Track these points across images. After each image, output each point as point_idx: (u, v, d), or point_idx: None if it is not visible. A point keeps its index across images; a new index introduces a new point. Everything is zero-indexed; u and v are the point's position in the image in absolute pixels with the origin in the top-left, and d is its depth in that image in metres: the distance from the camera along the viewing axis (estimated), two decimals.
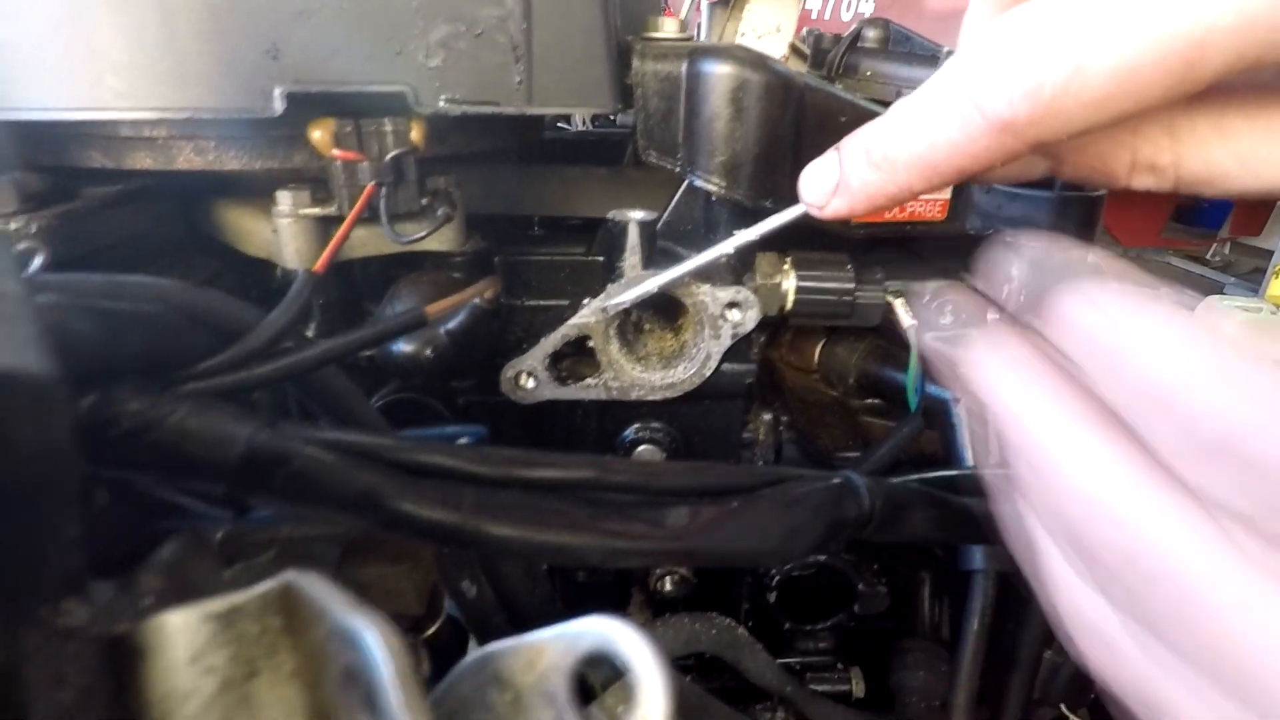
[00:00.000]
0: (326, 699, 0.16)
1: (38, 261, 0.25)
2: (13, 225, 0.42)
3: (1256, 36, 0.22)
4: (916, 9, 4.00)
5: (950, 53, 0.60)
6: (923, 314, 0.53)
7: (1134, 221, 4.77)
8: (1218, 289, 4.73)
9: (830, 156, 0.35)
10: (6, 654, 0.13)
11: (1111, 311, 0.23)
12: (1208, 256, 5.32)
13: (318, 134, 0.45)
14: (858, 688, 0.68)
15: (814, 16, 3.94)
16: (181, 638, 0.16)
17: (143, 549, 0.26)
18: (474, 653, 0.20)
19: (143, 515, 0.28)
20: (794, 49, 0.72)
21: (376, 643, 0.14)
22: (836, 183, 0.34)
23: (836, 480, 0.39)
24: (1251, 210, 4.73)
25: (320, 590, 0.16)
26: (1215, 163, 0.28)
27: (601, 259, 0.61)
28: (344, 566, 0.35)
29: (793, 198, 0.53)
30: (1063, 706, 0.69)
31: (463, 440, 0.42)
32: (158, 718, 0.15)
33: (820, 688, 0.67)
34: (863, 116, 0.55)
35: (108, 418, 0.23)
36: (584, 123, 0.95)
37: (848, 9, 3.97)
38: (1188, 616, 0.20)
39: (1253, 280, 4.69)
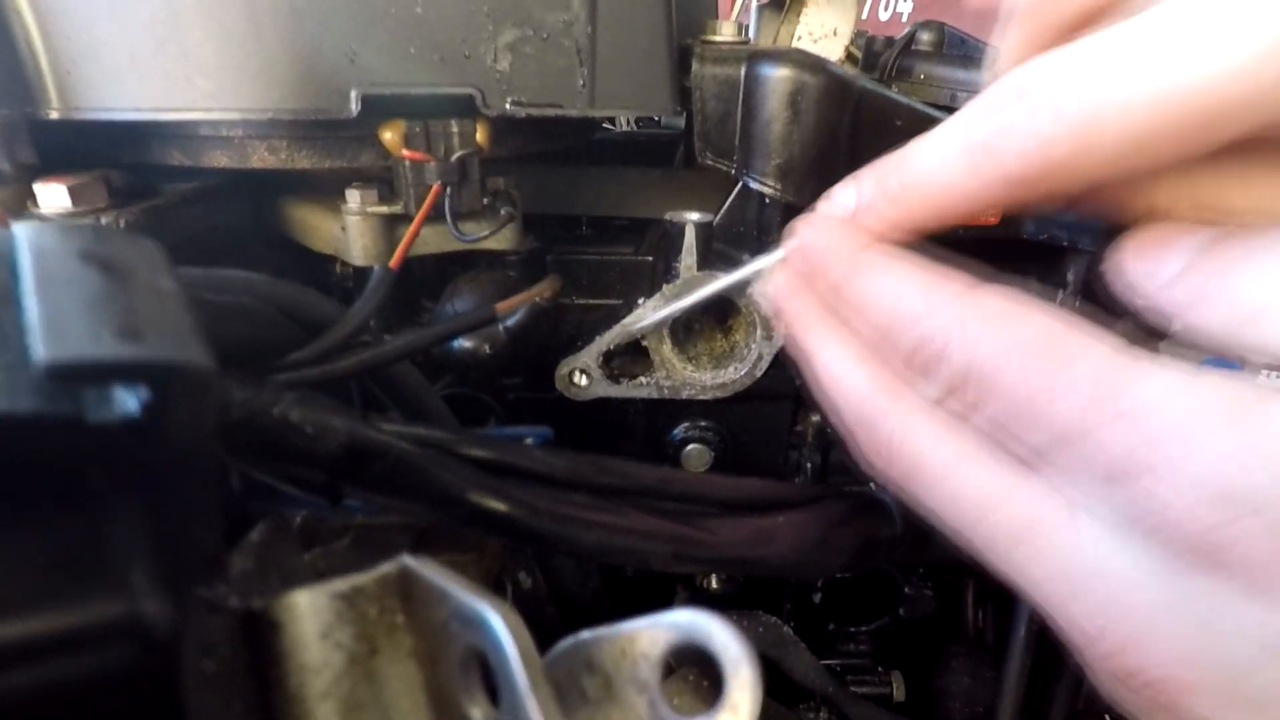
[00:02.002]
0: (445, 677, 0.17)
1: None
2: (104, 220, 0.45)
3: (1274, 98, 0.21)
4: (956, 9, 3.96)
5: None
6: None
7: None
8: None
9: (849, 184, 0.34)
10: (172, 634, 0.14)
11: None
12: None
13: (388, 135, 0.47)
14: (898, 691, 0.68)
15: None
16: (310, 614, 0.17)
17: (234, 530, 0.28)
18: (566, 640, 0.21)
19: (238, 497, 0.29)
20: (845, 52, 0.72)
21: (500, 625, 0.15)
22: (853, 210, 0.33)
23: (870, 500, 0.39)
24: None
25: (438, 575, 0.17)
26: (1236, 210, 0.27)
27: (650, 259, 0.62)
28: (416, 554, 0.36)
29: None
30: (1107, 717, 0.69)
31: (528, 440, 0.43)
32: (294, 687, 0.17)
33: (861, 690, 0.68)
34: (919, 120, 0.56)
35: (219, 406, 0.25)
36: (628, 123, 0.96)
37: (885, 8, 3.93)
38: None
39: None
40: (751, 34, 0.91)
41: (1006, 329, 0.25)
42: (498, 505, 0.28)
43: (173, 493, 0.16)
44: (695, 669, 0.27)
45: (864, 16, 3.83)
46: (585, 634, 0.21)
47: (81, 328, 0.14)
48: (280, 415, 0.26)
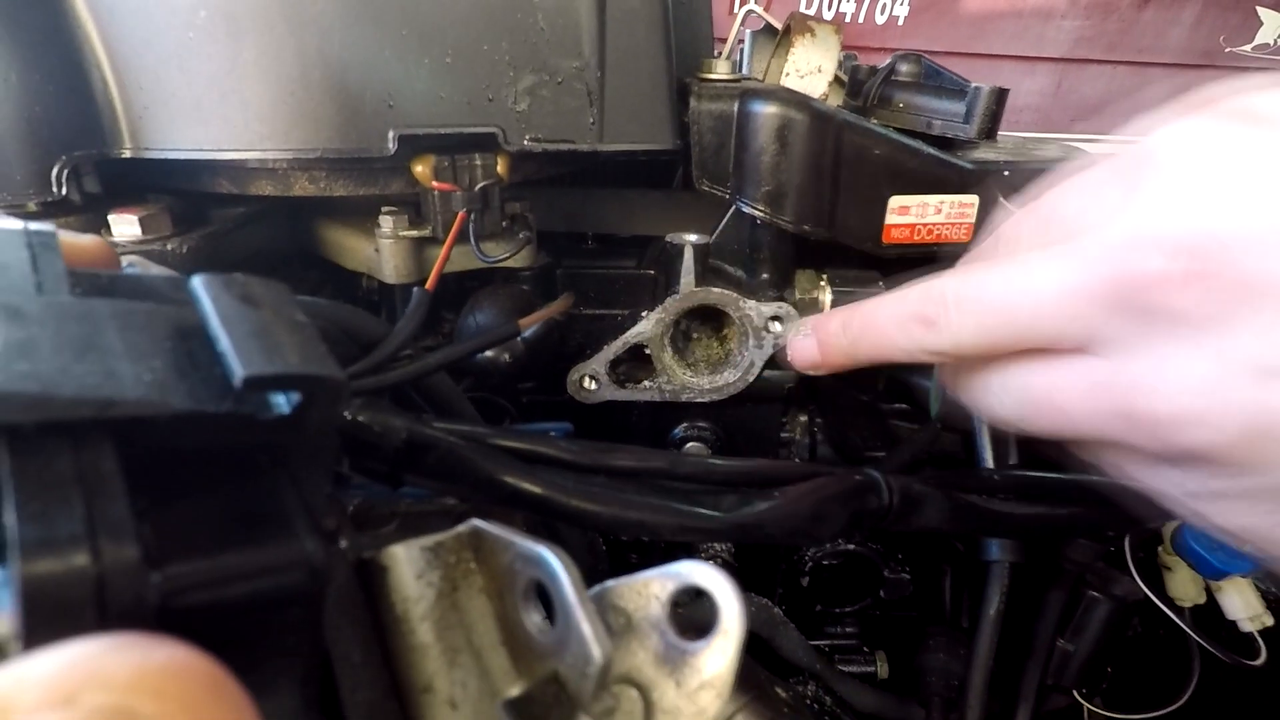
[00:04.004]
0: (510, 606, 0.23)
1: None
2: (169, 246, 0.50)
3: None
4: (952, 13, 4.03)
5: (977, 88, 0.65)
6: None
7: None
8: None
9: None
10: (325, 560, 0.20)
11: None
12: None
13: (420, 168, 0.53)
14: (882, 669, 0.74)
15: (848, 19, 3.98)
16: (407, 561, 0.23)
17: None
18: (594, 587, 0.27)
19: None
20: (834, 77, 0.78)
21: (554, 558, 0.21)
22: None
23: (861, 476, 0.45)
24: None
25: (502, 530, 0.23)
26: None
27: (651, 272, 0.67)
28: None
29: (830, 224, 0.60)
30: (1076, 694, 0.74)
31: (552, 434, 0.49)
32: (401, 612, 0.22)
33: (848, 668, 0.73)
34: (895, 149, 0.62)
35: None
36: None
37: (882, 12, 4.00)
38: None
39: None
40: (746, 57, 0.97)
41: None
42: (531, 487, 0.34)
43: (309, 469, 0.22)
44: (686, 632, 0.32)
45: (861, 19, 3.90)
46: (609, 582, 0.27)
47: (259, 353, 0.20)
48: (351, 417, 0.32)
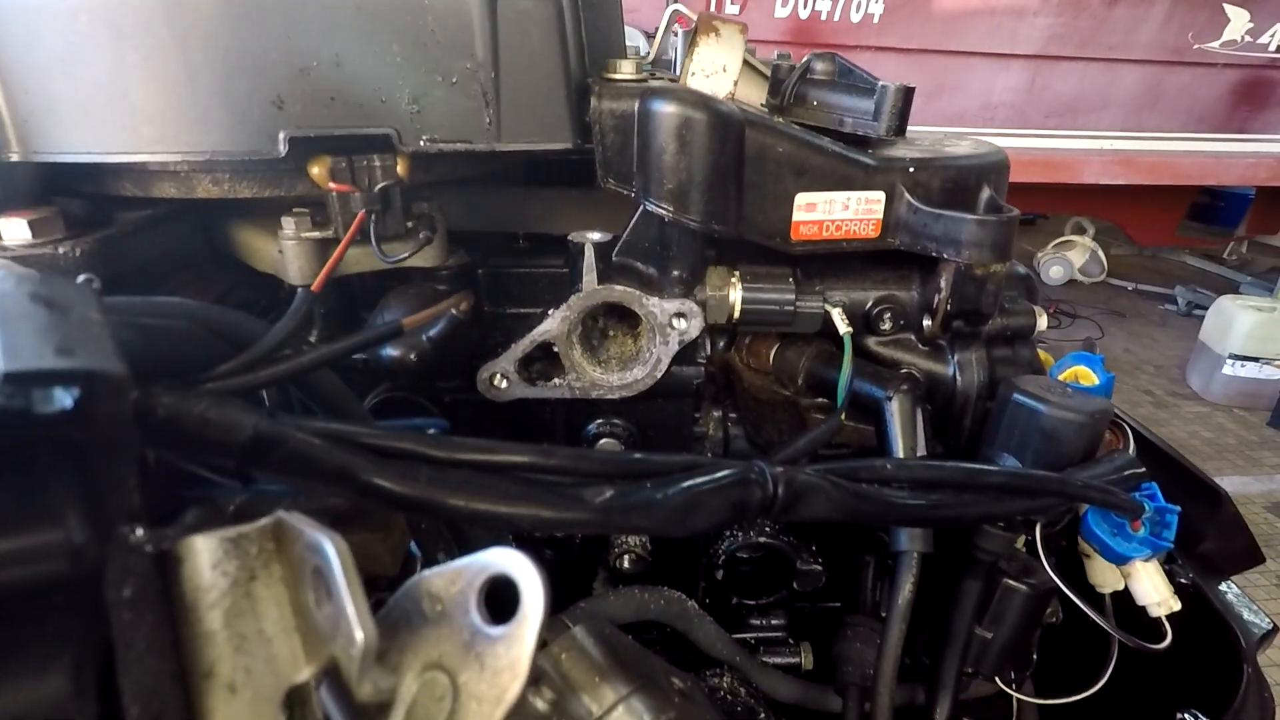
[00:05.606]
0: (301, 591, 0.23)
1: (96, 286, 0.33)
2: (61, 249, 0.50)
3: None
4: (926, 10, 4.07)
5: (884, 86, 0.66)
6: None
7: (1149, 219, 4.74)
8: (1233, 288, 4.76)
9: None
10: (95, 559, 0.20)
11: None
12: (1224, 255, 5.35)
13: (316, 169, 0.53)
14: (807, 660, 0.75)
15: (823, 17, 4.02)
16: (204, 551, 0.24)
17: (172, 511, 0.34)
18: (413, 577, 0.28)
19: (174, 484, 0.36)
20: (760, 74, 0.79)
21: (331, 548, 0.22)
22: None
23: (746, 467, 0.46)
24: (1270, 208, 4.73)
25: (297, 519, 0.24)
26: None
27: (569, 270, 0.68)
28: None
29: (736, 222, 0.61)
30: (1000, 681, 0.75)
31: (430, 431, 0.50)
32: (190, 600, 0.23)
33: (773, 660, 0.74)
34: (799, 147, 0.63)
35: (148, 408, 0.31)
36: None
37: (857, 10, 4.03)
38: None
39: (1269, 279, 4.74)
40: (679, 56, 0.98)
41: None
42: (381, 481, 0.34)
43: (98, 464, 0.23)
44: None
45: (836, 18, 3.94)
46: (426, 571, 0.28)
47: (30, 349, 0.21)
48: (199, 414, 0.33)
